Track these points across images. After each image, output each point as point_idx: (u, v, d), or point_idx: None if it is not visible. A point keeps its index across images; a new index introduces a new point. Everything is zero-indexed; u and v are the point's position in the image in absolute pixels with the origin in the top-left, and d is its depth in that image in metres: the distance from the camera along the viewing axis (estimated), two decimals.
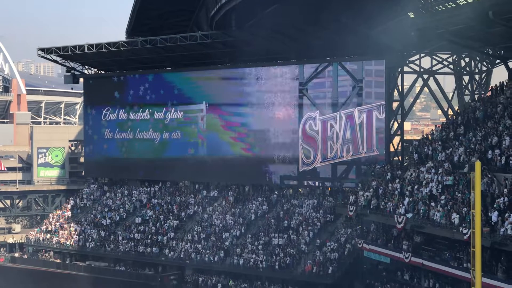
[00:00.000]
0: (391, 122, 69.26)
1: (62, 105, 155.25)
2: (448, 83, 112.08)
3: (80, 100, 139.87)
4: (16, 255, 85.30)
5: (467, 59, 73.61)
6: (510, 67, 60.27)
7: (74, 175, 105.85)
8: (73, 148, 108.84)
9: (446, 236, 46.13)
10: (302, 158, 72.02)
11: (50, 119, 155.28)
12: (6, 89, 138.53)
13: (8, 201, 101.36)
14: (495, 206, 42.03)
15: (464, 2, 45.51)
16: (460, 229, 43.23)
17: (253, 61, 76.35)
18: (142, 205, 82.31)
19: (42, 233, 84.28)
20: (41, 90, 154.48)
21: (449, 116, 67.97)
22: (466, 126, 53.35)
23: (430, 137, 57.29)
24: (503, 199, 41.79)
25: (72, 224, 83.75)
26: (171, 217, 77.16)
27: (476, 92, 73.22)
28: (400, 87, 70.11)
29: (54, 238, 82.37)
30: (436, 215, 46.46)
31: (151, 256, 73.65)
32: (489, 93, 59.68)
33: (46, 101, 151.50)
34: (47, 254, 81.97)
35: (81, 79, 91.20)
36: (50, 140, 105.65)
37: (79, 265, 77.53)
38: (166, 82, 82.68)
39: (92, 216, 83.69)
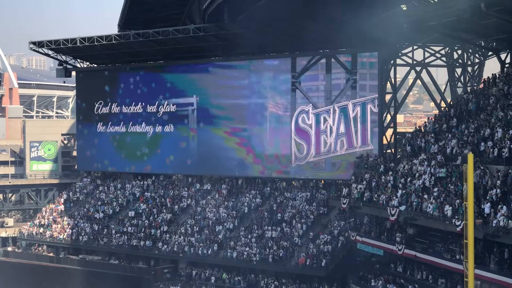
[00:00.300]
0: (384, 115, 69.24)
1: (55, 99, 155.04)
2: (441, 75, 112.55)
3: (72, 93, 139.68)
4: (9, 249, 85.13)
5: (459, 51, 73.75)
6: (503, 59, 60.45)
7: (67, 168, 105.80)
8: (65, 142, 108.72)
9: (439, 228, 46.26)
10: (294, 153, 71.75)
11: (42, 112, 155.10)
12: None
13: (0, 195, 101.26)
14: (487, 198, 42.15)
15: None
16: (453, 221, 43.34)
17: (245, 54, 76.27)
18: (135, 199, 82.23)
19: (35, 227, 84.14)
20: (33, 83, 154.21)
21: (442, 108, 68.09)
22: (459, 118, 53.44)
23: (423, 129, 57.37)
24: (496, 191, 41.90)
25: (65, 218, 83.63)
26: (164, 211, 77.11)
27: (468, 84, 73.34)
28: (393, 80, 70.19)
29: (47, 232, 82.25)
30: (429, 207, 46.57)
31: (144, 249, 73.59)
32: (481, 85, 59.83)
33: (38, 94, 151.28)
34: (40, 248, 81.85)
35: (73, 73, 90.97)
36: (42, 134, 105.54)
37: (72, 259, 77.44)
38: (158, 75, 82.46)
39: (85, 210, 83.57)
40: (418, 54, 72.98)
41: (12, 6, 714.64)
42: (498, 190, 41.85)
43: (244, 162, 75.22)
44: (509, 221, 39.61)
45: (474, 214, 37.27)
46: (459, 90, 73.38)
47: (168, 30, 73.97)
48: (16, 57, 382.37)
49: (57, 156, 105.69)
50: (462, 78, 74.17)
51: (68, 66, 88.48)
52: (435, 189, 47.36)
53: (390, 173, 54.81)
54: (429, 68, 73.80)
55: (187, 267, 70.01)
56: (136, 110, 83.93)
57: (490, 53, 68.68)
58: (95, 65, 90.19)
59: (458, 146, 49.06)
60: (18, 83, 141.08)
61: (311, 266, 61.41)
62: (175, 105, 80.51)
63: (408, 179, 51.36)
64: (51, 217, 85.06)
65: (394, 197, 50.85)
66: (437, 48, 73.27)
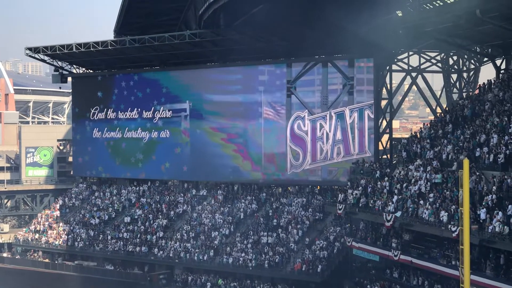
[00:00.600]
0: (380, 121, 69.20)
1: (50, 105, 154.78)
2: (436, 81, 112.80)
3: (68, 99, 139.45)
4: (5, 255, 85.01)
5: (455, 57, 73.88)
6: (498, 65, 60.51)
7: (62, 174, 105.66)
8: (61, 147, 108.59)
9: (435, 234, 46.28)
10: (290, 160, 71.41)
11: (38, 118, 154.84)
12: None
13: None
14: (483, 203, 42.15)
15: (452, 1, 45.64)
16: (449, 226, 43.35)
17: (241, 60, 76.30)
18: (131, 204, 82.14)
19: (31, 233, 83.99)
20: (29, 89, 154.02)
21: (438, 114, 68.14)
22: (454, 124, 53.50)
23: (418, 135, 57.39)
24: (491, 197, 41.92)
25: (61, 224, 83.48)
26: (160, 216, 77.03)
27: (464, 90, 73.46)
28: (388, 85, 70.15)
29: (42, 238, 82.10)
30: (425, 213, 46.57)
31: (140, 255, 73.52)
32: (477, 91, 59.87)
33: (34, 100, 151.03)
34: (36, 254, 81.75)
35: (69, 78, 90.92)
36: (38, 140, 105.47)
37: (68, 264, 77.34)
38: (153, 80, 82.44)
39: (81, 216, 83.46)
40: (414, 60, 73.19)
41: (8, 12, 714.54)
42: (494, 196, 41.87)
43: (240, 168, 75.04)
44: (505, 227, 39.62)
45: (470, 220, 37.25)
46: (455, 96, 73.51)
47: (164, 36, 74.06)
48: (12, 63, 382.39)
49: (53, 162, 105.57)
50: (457, 84, 74.33)
51: (64, 72, 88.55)
52: (431, 195, 47.36)
53: (386, 178, 54.79)
54: (425, 74, 73.98)
55: (183, 273, 69.92)
56: (132, 116, 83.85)
57: (485, 59, 68.78)
58: (91, 71, 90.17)
59: (454, 152, 49.10)
60: (14, 89, 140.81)
61: (307, 272, 61.37)
62: (170, 111, 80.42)
63: (404, 185, 51.35)
64: (46, 223, 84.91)
65: (390, 203, 50.84)
66: (432, 54, 73.42)
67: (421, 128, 59.75)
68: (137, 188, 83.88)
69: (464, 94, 70.41)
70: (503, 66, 60.21)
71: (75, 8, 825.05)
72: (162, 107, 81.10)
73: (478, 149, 47.08)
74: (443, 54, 73.49)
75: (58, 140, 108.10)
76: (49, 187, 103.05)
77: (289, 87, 71.43)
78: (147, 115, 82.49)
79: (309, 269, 61.36)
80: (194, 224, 73.56)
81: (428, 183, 48.88)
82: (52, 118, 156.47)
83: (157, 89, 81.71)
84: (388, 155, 69.95)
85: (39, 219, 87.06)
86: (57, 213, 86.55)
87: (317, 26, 63.18)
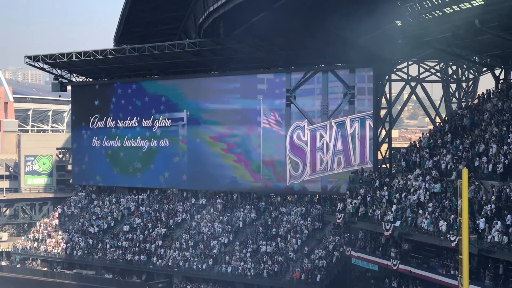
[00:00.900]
0: (379, 130, 69.18)
1: (50, 113, 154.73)
2: (436, 90, 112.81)
3: (67, 107, 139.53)
4: (3, 263, 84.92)
5: (454, 67, 74.04)
6: (497, 75, 60.62)
7: (61, 183, 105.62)
8: (60, 156, 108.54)
9: (434, 243, 46.25)
10: (289, 171, 71.08)
11: (37, 127, 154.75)
12: None
13: None
14: (482, 213, 42.17)
15: (451, 11, 45.72)
16: (448, 236, 43.34)
17: (241, 69, 76.37)
18: (130, 213, 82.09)
19: (30, 241, 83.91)
20: (28, 97, 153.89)
21: (437, 124, 68.09)
22: (453, 133, 53.55)
23: (417, 144, 57.42)
24: (490, 206, 41.93)
25: (59, 232, 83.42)
26: (159, 225, 76.99)
27: (463, 100, 73.58)
28: (387, 95, 70.13)
29: (41, 247, 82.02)
30: (424, 223, 46.55)
31: (139, 264, 73.45)
32: (476, 101, 59.97)
33: (34, 108, 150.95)
34: (34, 263, 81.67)
35: (69, 87, 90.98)
36: (37, 148, 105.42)
37: (67, 273, 77.24)
38: (152, 89, 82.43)
39: (79, 224, 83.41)
40: (413, 70, 73.39)
41: (7, 20, 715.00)
42: (493, 206, 41.88)
43: (239, 177, 74.91)
44: (504, 236, 39.64)
45: (468, 230, 37.31)
46: (454, 106, 73.63)
47: (164, 44, 74.13)
48: (11, 71, 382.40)
49: (52, 170, 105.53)
50: (456, 93, 74.47)
51: (64, 80, 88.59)
52: (430, 204, 47.36)
53: (385, 188, 54.78)
54: (424, 84, 73.99)
55: (181, 281, 69.86)
56: (132, 124, 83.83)
57: (484, 69, 68.98)
58: (91, 79, 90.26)
59: (453, 162, 49.14)
60: (14, 97, 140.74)
61: (306, 281, 61.30)
62: (170, 120, 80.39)
63: (403, 194, 51.34)
64: (45, 232, 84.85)
65: (389, 212, 50.81)
66: (432, 64, 73.59)
67: (420, 137, 59.74)
68: (136, 197, 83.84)
69: (463, 104, 70.55)
70: (502, 76, 60.32)
71: (75, 17, 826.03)
72: (161, 116, 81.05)
73: (477, 159, 47.15)
74: (442, 64, 73.64)
75: (58, 149, 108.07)
76: (48, 196, 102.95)
77: (289, 95, 71.10)
78: (146, 124, 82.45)
79: (308, 278, 61.30)
80: (193, 232, 73.51)
81: (427, 192, 48.89)
82: (52, 127, 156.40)
83: (155, 97, 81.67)
84: (387, 165, 69.91)
85: (38, 228, 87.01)
86: (56, 221, 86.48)
87: (317, 35, 63.31)
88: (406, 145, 69.07)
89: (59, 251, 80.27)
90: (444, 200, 46.51)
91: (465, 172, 35.51)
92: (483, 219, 41.68)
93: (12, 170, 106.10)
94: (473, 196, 43.61)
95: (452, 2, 44.89)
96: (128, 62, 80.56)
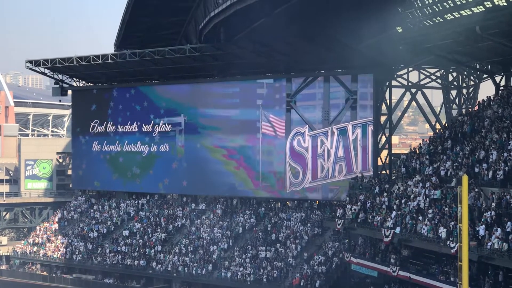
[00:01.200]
0: (379, 136, 69.13)
1: (50, 117, 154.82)
2: (436, 97, 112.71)
3: (68, 112, 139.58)
4: (3, 267, 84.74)
5: (454, 74, 74.06)
6: (497, 82, 60.67)
7: (61, 187, 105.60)
8: (60, 160, 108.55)
9: (434, 250, 46.20)
10: (289, 178, 70.74)
11: (38, 131, 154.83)
12: None
13: None
14: (482, 220, 42.14)
15: (452, 17, 45.76)
16: (448, 243, 43.30)
17: (241, 74, 76.39)
18: (129, 218, 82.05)
19: (29, 246, 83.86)
20: (29, 102, 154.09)
21: (437, 130, 68.12)
22: (454, 140, 53.55)
23: (417, 151, 57.40)
24: (490, 213, 41.91)
25: (59, 237, 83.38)
26: (158, 230, 76.94)
27: (463, 106, 73.58)
28: (388, 101, 70.07)
29: (41, 251, 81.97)
30: (424, 229, 46.52)
31: (138, 269, 73.37)
32: (476, 108, 59.96)
33: (34, 113, 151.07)
34: (34, 267, 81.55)
35: (70, 92, 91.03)
36: (37, 152, 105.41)
37: (66, 278, 77.16)
38: (151, 94, 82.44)
39: (79, 229, 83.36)
40: (414, 76, 73.38)
41: (8, 25, 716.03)
42: (493, 212, 41.86)
43: (239, 183, 74.83)
44: (504, 243, 39.61)
45: (468, 236, 37.29)
46: (454, 112, 73.61)
47: (164, 50, 74.18)
48: (12, 76, 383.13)
49: (52, 175, 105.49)
50: (457, 100, 74.47)
51: (64, 85, 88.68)
52: (430, 211, 47.33)
53: (385, 194, 54.76)
54: (424, 90, 73.97)
55: (181, 287, 69.82)
56: (132, 129, 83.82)
57: (485, 75, 68.97)
58: (91, 84, 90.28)
59: (453, 168, 49.13)
60: (14, 102, 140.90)
61: (305, 287, 61.21)
62: (170, 125, 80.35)
63: (403, 201, 51.30)
64: (45, 236, 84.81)
65: (389, 219, 50.77)
66: (432, 70, 73.58)
67: (420, 144, 59.73)
68: (136, 202, 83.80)
69: (463, 111, 70.50)
70: (502, 83, 60.38)
71: (76, 22, 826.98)
72: (161, 121, 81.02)
73: (477, 166, 47.15)
74: (442, 70, 73.65)
75: (58, 153, 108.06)
76: (48, 200, 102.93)
77: (289, 101, 70.91)
78: (146, 129, 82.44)
79: (307, 284, 61.21)
80: (192, 238, 73.47)
81: (427, 199, 48.87)
82: (52, 131, 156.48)
83: (155, 102, 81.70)
84: (387, 171, 69.82)
85: (38, 232, 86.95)
86: (56, 226, 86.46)
87: (317, 41, 63.33)
88: (406, 152, 69.01)
89: (58, 255, 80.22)
90: (444, 207, 46.47)
91: (465, 179, 35.52)
92: (483, 226, 41.65)
93: (12, 174, 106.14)
94: (473, 203, 43.59)
95: (453, 8, 44.91)
96: (129, 67, 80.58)
